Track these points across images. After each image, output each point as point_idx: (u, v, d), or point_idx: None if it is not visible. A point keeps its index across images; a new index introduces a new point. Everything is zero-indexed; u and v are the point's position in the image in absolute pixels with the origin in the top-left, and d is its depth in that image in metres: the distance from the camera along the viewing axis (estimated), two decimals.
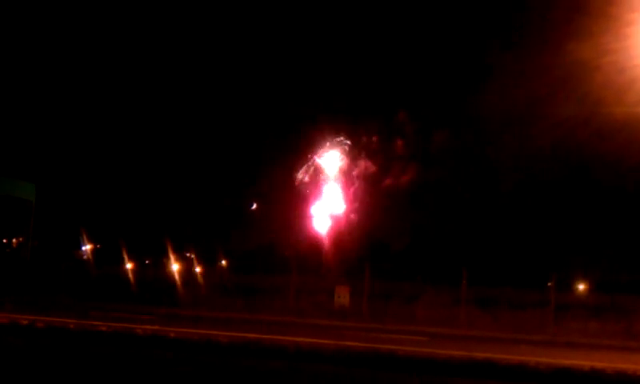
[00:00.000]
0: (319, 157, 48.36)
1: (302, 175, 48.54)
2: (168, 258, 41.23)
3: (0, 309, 24.54)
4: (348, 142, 48.49)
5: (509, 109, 43.04)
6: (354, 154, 48.53)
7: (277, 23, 50.96)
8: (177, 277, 37.09)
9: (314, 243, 49.82)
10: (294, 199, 48.90)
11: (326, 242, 49.09)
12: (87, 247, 48.34)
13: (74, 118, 53.62)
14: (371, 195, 48.30)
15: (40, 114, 53.25)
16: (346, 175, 48.20)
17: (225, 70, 52.66)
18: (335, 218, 48.58)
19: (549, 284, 32.07)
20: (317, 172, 48.42)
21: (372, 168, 48.33)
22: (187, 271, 39.98)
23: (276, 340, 17.48)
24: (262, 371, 13.78)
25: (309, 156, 48.50)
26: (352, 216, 48.17)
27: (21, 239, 50.88)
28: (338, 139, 48.31)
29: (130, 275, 36.85)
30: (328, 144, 48.30)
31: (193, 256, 41.59)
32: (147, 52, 53.78)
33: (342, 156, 48.40)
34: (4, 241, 53.60)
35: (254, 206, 53.03)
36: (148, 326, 19.60)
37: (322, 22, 50.10)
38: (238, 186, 52.21)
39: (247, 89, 51.78)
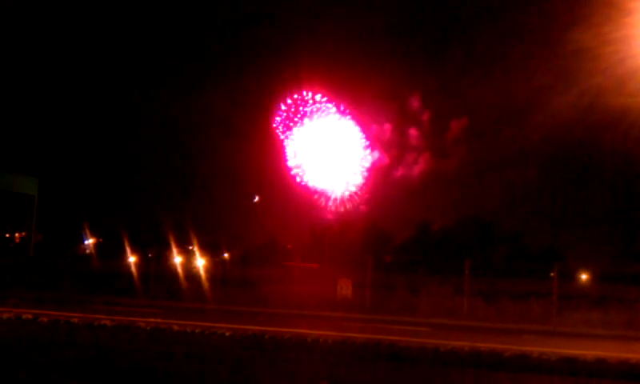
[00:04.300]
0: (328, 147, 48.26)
1: (306, 166, 48.52)
2: (170, 251, 41.22)
3: (3, 303, 24.52)
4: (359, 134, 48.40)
5: (510, 98, 43.02)
6: (364, 145, 48.51)
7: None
8: (179, 270, 37.05)
9: (316, 235, 49.86)
10: (297, 192, 48.92)
11: (329, 235, 49.11)
12: (90, 241, 48.35)
13: (75, 113, 53.74)
14: (378, 186, 48.32)
15: (42, 110, 53.35)
16: (356, 166, 48.17)
17: (229, 58, 52.68)
18: (339, 210, 48.57)
19: (551, 274, 31.95)
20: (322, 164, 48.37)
21: (383, 158, 48.28)
22: (189, 264, 39.96)
23: (279, 332, 17.50)
24: (266, 362, 13.82)
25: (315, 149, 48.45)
26: (359, 207, 48.17)
27: (24, 234, 50.92)
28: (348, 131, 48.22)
29: (133, 269, 36.80)
30: (337, 135, 48.22)
31: (195, 249, 41.59)
32: (143, 50, 53.81)
33: (352, 147, 48.35)
34: (6, 235, 53.72)
35: (257, 199, 53.06)
36: (151, 319, 19.61)
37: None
38: (240, 179, 52.30)
39: (252, 79, 51.83)
